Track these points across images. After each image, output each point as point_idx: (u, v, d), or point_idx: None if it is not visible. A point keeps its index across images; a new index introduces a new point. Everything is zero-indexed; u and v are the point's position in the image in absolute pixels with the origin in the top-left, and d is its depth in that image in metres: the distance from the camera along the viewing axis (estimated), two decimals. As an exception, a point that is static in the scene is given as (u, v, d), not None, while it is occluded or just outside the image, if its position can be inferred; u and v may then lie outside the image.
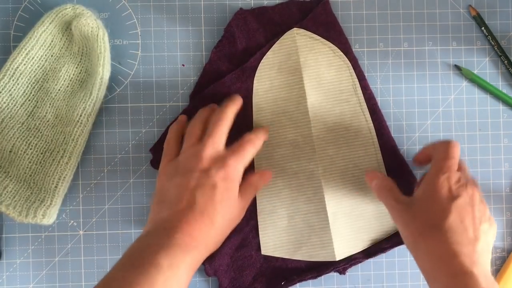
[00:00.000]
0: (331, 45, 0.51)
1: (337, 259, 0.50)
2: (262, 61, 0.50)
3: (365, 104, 0.51)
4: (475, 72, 0.53)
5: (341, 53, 0.51)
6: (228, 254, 0.50)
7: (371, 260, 0.52)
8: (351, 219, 0.51)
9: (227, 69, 0.51)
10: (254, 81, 0.50)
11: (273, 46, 0.50)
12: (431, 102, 0.53)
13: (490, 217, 0.43)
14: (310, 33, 0.50)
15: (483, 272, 0.39)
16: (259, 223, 0.51)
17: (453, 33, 0.53)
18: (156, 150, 0.50)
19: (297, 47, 0.50)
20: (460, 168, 0.45)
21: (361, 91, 0.51)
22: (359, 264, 0.52)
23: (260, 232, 0.51)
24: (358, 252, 0.51)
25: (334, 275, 0.52)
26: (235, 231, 0.48)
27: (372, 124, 0.51)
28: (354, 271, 0.52)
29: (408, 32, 0.52)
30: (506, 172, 0.53)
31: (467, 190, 0.42)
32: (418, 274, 0.52)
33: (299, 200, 0.51)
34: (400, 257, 0.52)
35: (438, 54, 0.53)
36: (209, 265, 0.49)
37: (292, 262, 0.51)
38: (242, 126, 0.49)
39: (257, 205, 0.50)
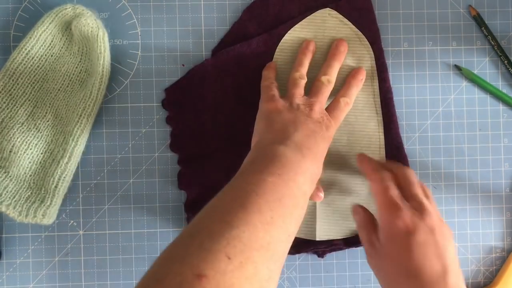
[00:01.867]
0: (359, 33, 0.51)
1: (317, 239, 0.51)
2: (289, 31, 0.51)
3: (379, 97, 0.51)
4: (475, 72, 0.53)
5: (367, 42, 0.51)
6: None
7: (371, 260, 0.52)
8: (340, 206, 0.51)
9: (254, 31, 0.51)
10: (276, 50, 0.51)
11: (303, 20, 0.51)
12: (431, 102, 0.53)
13: (447, 228, 0.43)
14: (341, 16, 0.51)
15: None
16: None
17: (453, 33, 0.53)
18: (170, 92, 0.51)
19: (325, 28, 0.51)
20: (410, 187, 0.45)
21: (378, 84, 0.51)
22: (359, 264, 0.52)
23: None
24: (340, 239, 0.51)
25: (334, 274, 0.52)
26: None
27: (381, 118, 0.51)
28: (354, 271, 0.52)
29: (408, 32, 0.52)
30: (506, 172, 0.53)
31: (423, 219, 0.42)
32: (418, 274, 0.52)
33: None
34: (400, 257, 0.52)
35: (438, 54, 0.53)
36: (192, 217, 0.50)
37: None
38: (256, 93, 0.50)
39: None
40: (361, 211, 0.47)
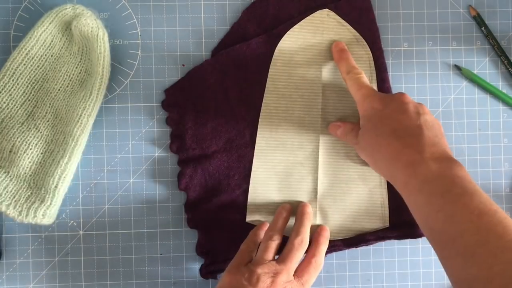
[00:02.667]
0: (357, 34, 0.51)
1: None
2: (288, 32, 0.51)
3: None
4: (475, 72, 0.53)
5: (366, 44, 0.51)
6: (213, 211, 0.51)
7: (371, 260, 0.52)
8: (340, 206, 0.51)
9: (254, 32, 0.51)
10: (275, 51, 0.51)
11: (302, 21, 0.51)
12: (431, 102, 0.53)
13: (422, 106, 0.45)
14: (339, 18, 0.51)
15: (434, 154, 0.41)
16: (249, 191, 0.51)
17: (453, 33, 0.53)
18: (170, 93, 0.51)
19: (324, 29, 0.51)
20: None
21: (376, 85, 0.51)
22: (359, 264, 0.52)
23: (248, 200, 0.51)
24: (339, 240, 0.51)
25: (334, 274, 0.52)
26: (227, 190, 0.50)
27: None
28: (354, 271, 0.52)
29: (408, 32, 0.52)
30: (506, 172, 0.53)
31: (393, 97, 0.45)
32: (418, 274, 0.52)
33: (293, 176, 0.51)
34: (400, 257, 0.52)
35: (438, 54, 0.53)
36: (192, 217, 0.50)
37: None
38: (256, 93, 0.50)
39: (252, 172, 0.51)
40: (341, 123, 0.49)
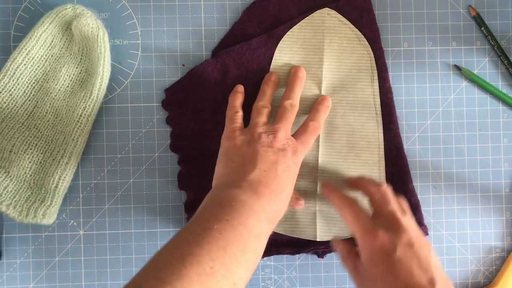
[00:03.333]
0: (358, 32, 0.51)
1: (318, 239, 0.51)
2: (287, 32, 0.51)
3: (379, 97, 0.51)
4: (475, 72, 0.53)
5: (367, 42, 0.51)
6: None
7: (371, 260, 0.52)
8: None
9: (254, 32, 0.51)
10: (276, 51, 0.51)
11: (302, 21, 0.51)
12: (431, 102, 0.53)
13: (425, 240, 0.42)
14: (340, 16, 0.51)
15: None
16: None
17: (453, 33, 0.53)
18: (171, 93, 0.51)
19: (325, 28, 0.51)
20: (386, 205, 0.44)
21: (377, 84, 0.51)
22: (359, 264, 0.52)
23: None
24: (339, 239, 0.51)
25: (334, 274, 0.52)
26: None
27: (381, 118, 0.51)
28: (354, 271, 0.52)
29: (408, 32, 0.52)
30: (506, 172, 0.53)
31: (400, 236, 0.41)
32: (418, 274, 0.52)
33: None
34: (400, 257, 0.52)
35: (438, 54, 0.53)
36: (191, 217, 0.50)
37: (274, 234, 0.51)
38: (256, 93, 0.50)
39: None
40: (340, 243, 0.47)
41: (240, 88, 0.50)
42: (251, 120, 0.47)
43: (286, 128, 0.46)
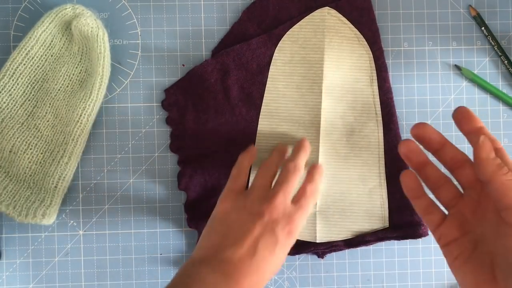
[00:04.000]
0: (358, 32, 0.51)
1: (318, 241, 0.51)
2: (287, 32, 0.51)
3: (378, 97, 0.51)
4: (475, 72, 0.53)
5: (366, 43, 0.51)
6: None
7: (371, 260, 0.52)
8: (340, 207, 0.51)
9: (254, 32, 0.51)
10: (275, 51, 0.51)
11: (302, 21, 0.51)
12: (431, 102, 0.53)
13: None
14: (340, 15, 0.51)
15: None
16: None
17: (453, 33, 0.53)
18: (171, 93, 0.51)
19: (325, 27, 0.51)
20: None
21: (377, 84, 0.51)
22: (359, 264, 0.52)
23: None
24: (339, 240, 0.51)
25: (334, 274, 0.52)
26: None
27: (381, 118, 0.51)
28: (354, 271, 0.52)
29: (408, 32, 0.52)
30: (506, 172, 0.53)
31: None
32: (418, 274, 0.52)
33: None
34: (400, 257, 0.52)
35: (438, 54, 0.53)
36: (192, 217, 0.50)
37: None
38: (256, 93, 0.50)
39: (252, 172, 0.51)
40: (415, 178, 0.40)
41: (253, 150, 0.48)
42: (253, 179, 0.45)
43: (286, 192, 0.43)
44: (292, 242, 0.43)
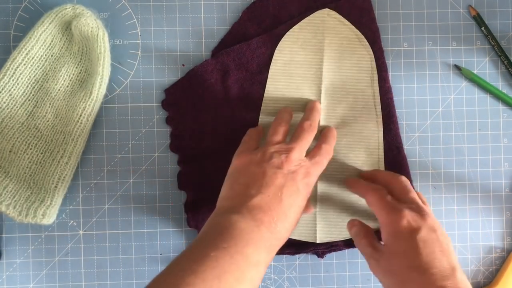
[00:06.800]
0: (359, 33, 0.51)
1: (318, 241, 0.51)
2: (287, 33, 0.51)
3: (379, 98, 0.51)
4: (475, 72, 0.53)
5: (367, 43, 0.51)
6: (213, 211, 0.50)
7: (371, 260, 0.52)
8: (339, 207, 0.51)
9: (254, 32, 0.51)
10: (275, 51, 0.51)
11: (302, 21, 0.51)
12: (431, 102, 0.53)
13: (446, 234, 0.43)
14: (340, 16, 0.51)
15: None
16: None
17: (453, 33, 0.53)
18: (171, 93, 0.51)
19: (325, 28, 0.51)
20: (407, 193, 0.45)
21: (377, 85, 0.51)
22: (359, 264, 0.52)
23: None
24: (339, 240, 0.51)
25: (334, 274, 0.52)
26: None
27: (381, 119, 0.51)
28: (354, 271, 0.52)
29: (408, 32, 0.52)
30: (506, 172, 0.53)
31: (424, 218, 0.42)
32: (418, 274, 0.52)
33: None
34: (400, 257, 0.52)
35: (438, 54, 0.53)
36: (192, 217, 0.50)
37: None
38: (256, 93, 0.50)
39: None
40: (357, 223, 0.47)
41: (260, 127, 0.50)
42: (266, 138, 0.46)
43: (301, 148, 0.45)
44: (308, 195, 0.44)
